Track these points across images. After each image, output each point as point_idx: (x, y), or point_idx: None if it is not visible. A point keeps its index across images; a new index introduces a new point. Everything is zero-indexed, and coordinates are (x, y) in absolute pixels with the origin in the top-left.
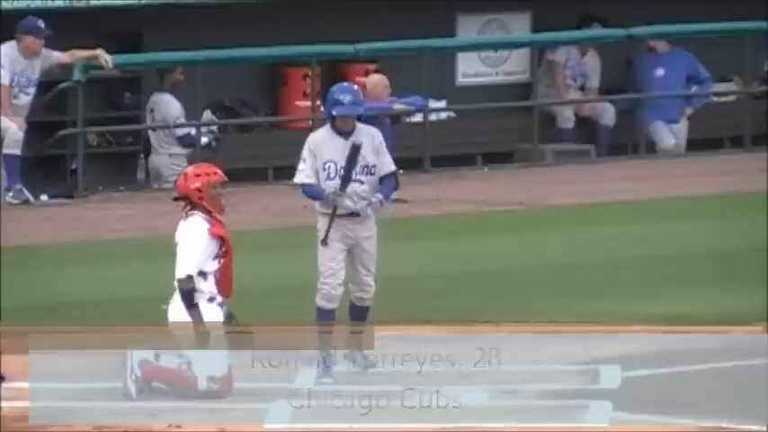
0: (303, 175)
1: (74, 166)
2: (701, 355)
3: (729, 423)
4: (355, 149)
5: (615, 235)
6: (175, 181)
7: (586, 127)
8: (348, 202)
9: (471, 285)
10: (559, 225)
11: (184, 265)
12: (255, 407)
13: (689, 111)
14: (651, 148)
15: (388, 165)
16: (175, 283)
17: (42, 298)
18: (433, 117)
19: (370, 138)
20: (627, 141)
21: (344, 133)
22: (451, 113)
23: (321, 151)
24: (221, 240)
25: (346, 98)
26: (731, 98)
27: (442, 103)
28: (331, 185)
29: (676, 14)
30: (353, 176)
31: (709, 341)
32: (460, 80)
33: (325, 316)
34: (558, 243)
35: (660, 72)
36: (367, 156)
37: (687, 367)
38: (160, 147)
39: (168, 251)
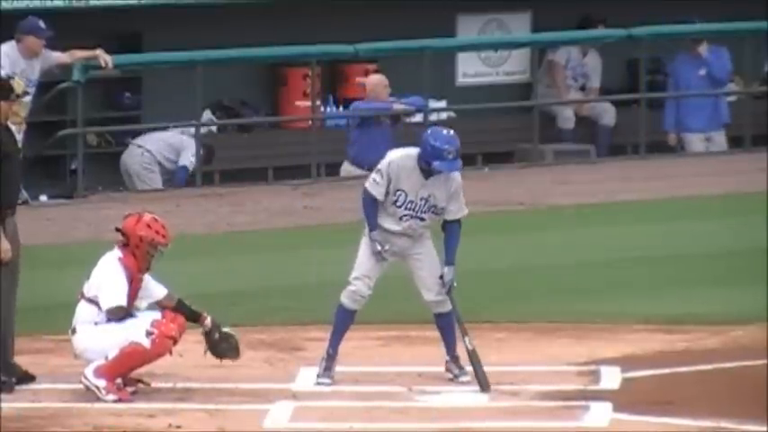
0: (377, 189)
1: (74, 166)
2: (701, 355)
3: (729, 423)
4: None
5: (615, 235)
6: (127, 215)
7: (586, 127)
8: (380, 250)
9: (471, 285)
10: (559, 225)
11: (112, 297)
12: (255, 407)
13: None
14: (651, 148)
15: (457, 211)
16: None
17: (42, 298)
18: (433, 117)
19: (450, 182)
20: (627, 141)
21: (427, 172)
22: (451, 113)
23: (398, 179)
24: (130, 274)
25: (451, 152)
26: (731, 98)
27: (442, 103)
28: (396, 211)
29: (676, 14)
30: (415, 215)
31: (709, 341)
32: (460, 80)
33: (344, 314)
34: (558, 243)
35: (702, 72)
36: (439, 198)
37: (687, 367)
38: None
39: (168, 251)
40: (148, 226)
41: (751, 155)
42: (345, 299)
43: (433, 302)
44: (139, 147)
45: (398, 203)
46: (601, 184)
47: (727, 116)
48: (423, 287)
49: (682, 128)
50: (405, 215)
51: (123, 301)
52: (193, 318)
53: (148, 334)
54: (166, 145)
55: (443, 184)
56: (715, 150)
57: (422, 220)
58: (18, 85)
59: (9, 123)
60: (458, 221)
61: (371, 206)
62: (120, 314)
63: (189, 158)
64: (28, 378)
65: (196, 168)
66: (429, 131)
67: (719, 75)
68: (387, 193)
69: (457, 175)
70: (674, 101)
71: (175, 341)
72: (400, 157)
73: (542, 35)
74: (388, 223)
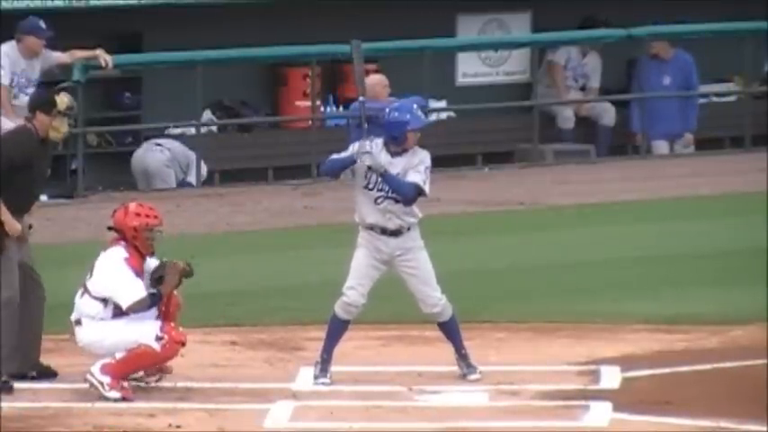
0: (338, 155)
1: (74, 166)
2: (701, 355)
3: (729, 423)
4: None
5: (615, 235)
6: (114, 211)
7: (586, 127)
8: (375, 160)
9: (471, 285)
10: (559, 225)
11: (130, 295)
12: (255, 407)
13: (689, 136)
14: (651, 148)
15: (412, 176)
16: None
17: None
18: (433, 117)
19: (415, 156)
20: (627, 141)
21: (394, 153)
22: (451, 113)
23: (358, 152)
24: (136, 273)
25: (415, 113)
26: (731, 98)
27: (442, 103)
28: (369, 195)
29: (676, 14)
30: (387, 194)
31: (708, 341)
32: (460, 80)
33: (338, 323)
34: (558, 243)
35: (666, 80)
36: (398, 171)
37: (687, 367)
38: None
39: (168, 251)
40: (137, 214)
41: (751, 155)
42: (339, 309)
43: (431, 314)
44: (158, 145)
45: (370, 186)
46: (601, 184)
47: (694, 122)
48: (419, 300)
49: (648, 132)
50: (379, 196)
51: (143, 293)
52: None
53: (158, 339)
54: (181, 151)
55: (409, 159)
56: (683, 153)
57: (396, 201)
58: (62, 101)
59: (51, 138)
60: (412, 183)
61: (338, 159)
62: (144, 305)
63: (194, 176)
64: (50, 374)
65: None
66: (386, 113)
67: (689, 83)
68: (357, 175)
69: (424, 154)
70: (638, 103)
71: (184, 345)
72: (362, 141)
73: (542, 35)
74: (368, 215)
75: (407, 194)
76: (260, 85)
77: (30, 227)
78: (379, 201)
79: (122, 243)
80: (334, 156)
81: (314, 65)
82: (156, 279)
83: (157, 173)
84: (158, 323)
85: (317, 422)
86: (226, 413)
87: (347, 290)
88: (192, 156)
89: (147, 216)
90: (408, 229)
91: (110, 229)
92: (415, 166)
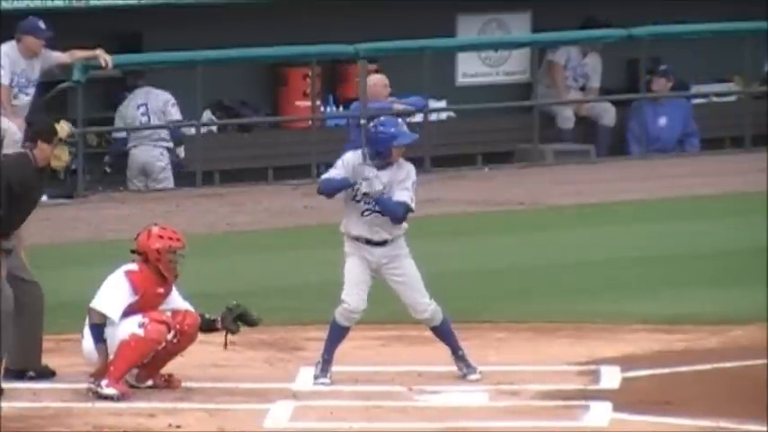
0: (336, 172)
1: (74, 166)
2: (701, 355)
3: (728, 423)
4: None
5: (615, 235)
6: (138, 234)
7: (586, 127)
8: (376, 185)
9: (471, 285)
10: (559, 225)
11: (102, 301)
12: (255, 407)
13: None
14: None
15: (400, 195)
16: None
17: None
18: (433, 117)
19: (402, 170)
20: (627, 141)
21: (379, 166)
22: (451, 113)
23: (355, 171)
24: (135, 289)
25: (400, 128)
26: (731, 98)
27: (442, 103)
28: (357, 207)
29: (676, 14)
30: (374, 208)
31: (708, 341)
32: (460, 80)
33: (338, 329)
34: (558, 243)
35: (662, 121)
36: (395, 189)
37: (687, 367)
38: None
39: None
40: (160, 237)
41: (751, 155)
42: (339, 317)
43: (422, 320)
44: (156, 146)
45: (357, 198)
46: (601, 184)
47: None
48: (408, 306)
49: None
50: (366, 210)
51: (110, 312)
52: (209, 326)
53: (141, 325)
54: (164, 138)
55: (395, 172)
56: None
57: (383, 214)
58: (62, 129)
59: (54, 166)
60: (402, 203)
61: (335, 181)
62: (95, 319)
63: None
64: (48, 374)
65: (197, 170)
66: (371, 127)
67: (686, 126)
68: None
69: (410, 168)
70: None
71: (169, 327)
72: (354, 155)
73: (542, 35)
74: (354, 227)
75: (397, 215)
76: (260, 85)
77: (9, 252)
78: (365, 213)
79: (143, 262)
80: (329, 176)
81: (314, 65)
82: (238, 315)
83: (155, 175)
84: (140, 314)
85: (317, 422)
86: (226, 413)
87: (346, 297)
88: (167, 100)
89: (171, 239)
90: (393, 239)
91: (133, 251)
92: (402, 182)
